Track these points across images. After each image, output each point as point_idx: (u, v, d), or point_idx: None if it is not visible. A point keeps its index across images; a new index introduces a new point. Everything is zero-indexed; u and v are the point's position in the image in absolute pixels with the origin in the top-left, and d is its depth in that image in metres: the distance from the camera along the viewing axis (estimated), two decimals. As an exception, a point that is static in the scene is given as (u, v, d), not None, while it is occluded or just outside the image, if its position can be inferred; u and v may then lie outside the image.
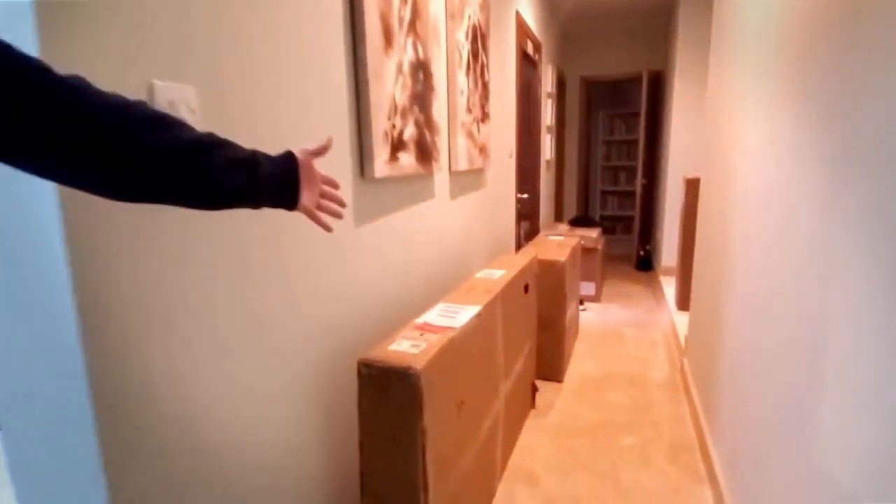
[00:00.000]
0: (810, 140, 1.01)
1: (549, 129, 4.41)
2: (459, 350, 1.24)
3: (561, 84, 5.19)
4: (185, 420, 0.81)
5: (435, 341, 1.16)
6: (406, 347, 1.12)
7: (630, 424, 2.10)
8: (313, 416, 1.15)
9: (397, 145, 1.41)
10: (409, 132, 1.48)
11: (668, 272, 4.27)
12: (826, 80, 0.93)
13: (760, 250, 1.33)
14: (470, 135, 2.08)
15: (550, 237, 3.07)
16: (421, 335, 1.20)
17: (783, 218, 1.16)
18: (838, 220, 0.86)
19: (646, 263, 4.96)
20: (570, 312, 2.65)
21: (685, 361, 2.52)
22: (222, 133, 0.66)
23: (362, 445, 1.08)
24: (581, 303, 3.71)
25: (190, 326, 0.81)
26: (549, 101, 4.37)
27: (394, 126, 1.38)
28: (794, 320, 1.07)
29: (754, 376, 1.35)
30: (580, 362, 2.74)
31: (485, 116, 2.28)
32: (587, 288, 3.82)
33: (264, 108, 0.95)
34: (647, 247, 5.08)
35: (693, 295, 2.43)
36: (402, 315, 1.55)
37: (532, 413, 2.21)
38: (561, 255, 2.47)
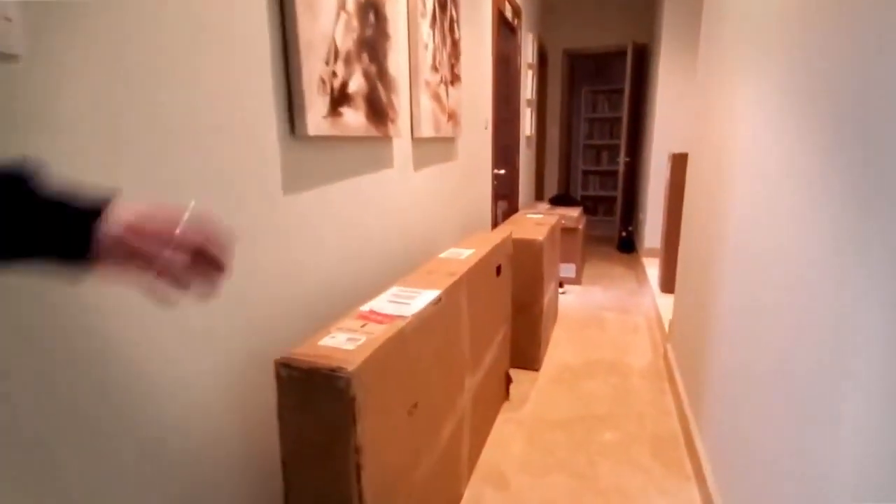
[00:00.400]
0: (816, 111, 0.82)
1: (529, 102, 4.18)
2: (411, 343, 1.04)
3: (543, 57, 4.94)
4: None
5: (379, 333, 0.94)
6: (341, 342, 0.90)
7: (610, 417, 1.94)
8: (226, 431, 0.94)
9: (340, 98, 1.17)
10: (357, 84, 1.25)
11: (651, 254, 4.12)
12: (829, 47, 0.75)
13: (757, 229, 1.14)
14: (436, 97, 1.85)
15: (529, 215, 2.88)
16: (363, 326, 0.98)
17: (784, 194, 0.97)
18: (848, 198, 0.69)
19: (628, 245, 4.82)
20: (548, 296, 2.47)
21: (669, 347, 2.37)
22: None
23: (285, 464, 0.87)
24: (560, 285, 3.54)
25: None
26: (530, 73, 4.13)
27: (334, 74, 1.14)
28: (793, 306, 0.89)
29: (745, 365, 1.18)
30: (558, 349, 2.57)
31: (454, 78, 2.04)
32: (567, 270, 3.65)
33: (130, 24, 0.71)
34: (630, 228, 4.93)
35: (679, 277, 2.26)
36: (350, 302, 1.33)
37: (506, 405, 2.04)
38: (539, 234, 2.28)
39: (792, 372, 0.92)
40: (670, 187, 2.96)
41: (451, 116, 2.04)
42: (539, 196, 5.39)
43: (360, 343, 0.90)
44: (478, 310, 1.55)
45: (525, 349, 2.33)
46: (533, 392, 2.14)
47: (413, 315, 1.05)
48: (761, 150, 1.16)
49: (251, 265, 0.97)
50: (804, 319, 0.88)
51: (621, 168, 4.79)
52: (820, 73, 0.86)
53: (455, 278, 1.33)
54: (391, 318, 1.03)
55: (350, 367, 0.80)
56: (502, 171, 3.18)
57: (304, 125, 1.05)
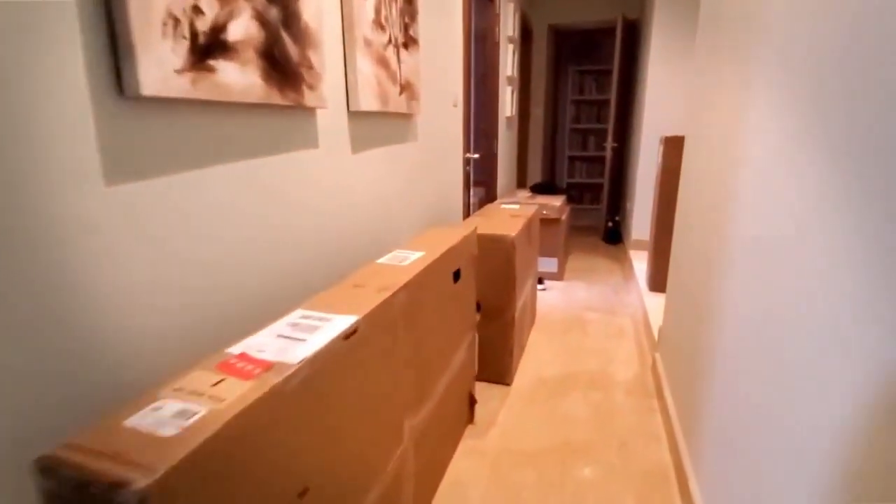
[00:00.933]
0: (844, 88, 0.50)
1: (510, 80, 3.82)
2: (296, 405, 0.71)
3: (526, 32, 4.57)
4: None
5: (234, 400, 0.62)
6: (162, 420, 0.57)
7: (590, 446, 1.65)
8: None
9: (209, 47, 0.82)
10: (242, 30, 0.90)
11: (638, 246, 3.84)
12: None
13: (774, 223, 0.83)
14: (383, 62, 1.50)
15: (504, 206, 2.55)
16: (216, 384, 0.66)
17: (810, 183, 0.66)
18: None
19: (614, 235, 4.53)
20: (522, 299, 2.16)
21: (658, 357, 2.08)
22: None
23: None
24: (540, 281, 3.24)
25: None
26: (511, 48, 3.77)
27: (197, 10, 0.79)
28: (817, 315, 0.58)
29: (753, 387, 0.89)
30: (534, 358, 2.27)
31: (409, 41, 1.69)
32: (548, 264, 3.35)
33: None
34: (617, 217, 4.64)
35: (671, 275, 1.96)
36: (226, 338, 0.97)
37: (469, 429, 1.73)
38: (512, 229, 1.96)
39: (814, 397, 0.62)
40: (662, 173, 2.65)
41: (406, 88, 1.69)
42: (521, 183, 5.07)
43: (191, 422, 0.57)
44: (426, 329, 1.23)
45: (495, 361, 2.03)
46: (502, 412, 1.84)
47: (304, 360, 0.72)
48: (781, 131, 0.85)
49: (44, 298, 0.63)
50: (829, 333, 0.57)
51: (608, 153, 4.47)
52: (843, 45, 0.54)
53: (387, 294, 1.01)
54: (267, 365, 0.70)
55: (142, 482, 0.47)
56: (476, 156, 2.85)
57: (136, 80, 0.70)
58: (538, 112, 5.17)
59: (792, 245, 0.82)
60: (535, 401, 1.92)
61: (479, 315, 1.99)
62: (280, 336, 0.80)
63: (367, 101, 1.42)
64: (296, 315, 0.89)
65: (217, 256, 0.92)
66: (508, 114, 3.85)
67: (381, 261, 1.25)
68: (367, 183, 1.52)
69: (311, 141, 1.20)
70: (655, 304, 2.59)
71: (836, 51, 0.72)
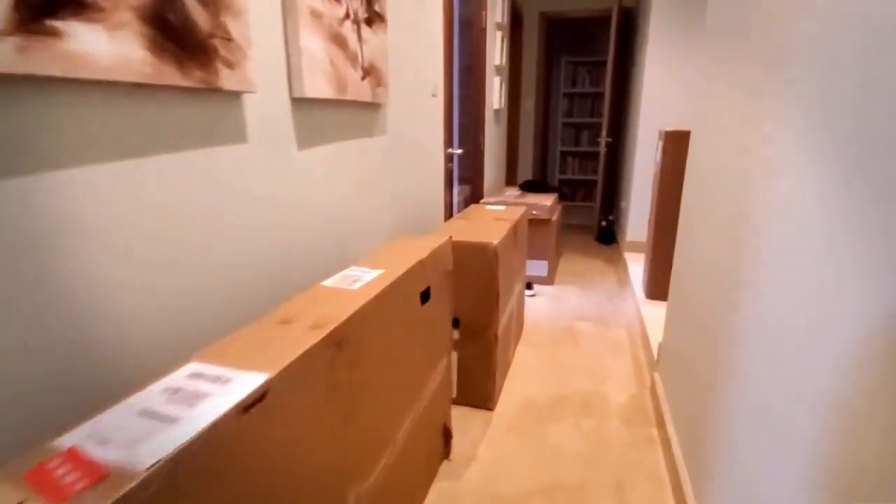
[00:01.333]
0: None
1: (499, 70, 3.58)
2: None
3: (516, 19, 4.32)
4: None
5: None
6: None
7: (582, 489, 1.43)
8: None
9: (47, 3, 0.58)
10: (109, -20, 0.65)
11: (633, 247, 3.63)
12: None
13: (811, 232, 0.61)
14: (338, 40, 1.25)
15: (489, 206, 2.32)
16: (2, 515, 0.42)
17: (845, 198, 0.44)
18: None
19: (608, 235, 4.32)
20: (508, 313, 1.94)
21: (657, 378, 1.87)
22: None
23: None
24: (529, 286, 3.02)
25: None
26: (500, 35, 3.52)
27: (17, -58, 0.55)
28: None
29: (780, 426, 0.67)
30: (520, 377, 2.05)
31: (374, 17, 1.44)
32: (537, 267, 3.13)
33: None
34: (610, 217, 4.43)
35: (672, 285, 1.75)
36: (74, 412, 0.74)
37: (445, 467, 1.51)
38: (495, 235, 1.73)
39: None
40: (661, 172, 2.43)
41: (370, 73, 1.45)
42: (511, 180, 4.84)
43: None
44: (382, 366, 1.00)
45: (476, 383, 1.80)
46: (483, 444, 1.62)
47: (158, 464, 0.49)
48: (831, 129, 0.62)
49: None
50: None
51: (602, 149, 4.25)
52: None
53: (321, 334, 0.77)
54: (99, 474, 0.47)
55: None
56: (460, 151, 2.61)
57: None
58: (529, 105, 4.93)
59: (822, 259, 0.60)
60: (521, 429, 1.70)
61: (458, 332, 1.76)
62: (144, 413, 0.56)
63: (317, 85, 1.17)
64: (183, 373, 0.65)
65: (82, 303, 0.68)
66: (497, 106, 3.61)
67: (327, 283, 1.01)
68: (318, 186, 1.28)
69: (235, 134, 0.96)
70: (653, 315, 2.38)
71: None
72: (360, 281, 1.02)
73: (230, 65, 0.89)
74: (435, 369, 1.38)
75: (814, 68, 0.76)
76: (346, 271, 1.09)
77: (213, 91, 0.89)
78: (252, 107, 1.00)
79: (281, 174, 1.11)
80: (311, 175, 1.24)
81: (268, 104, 1.05)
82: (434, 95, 2.18)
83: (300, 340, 0.75)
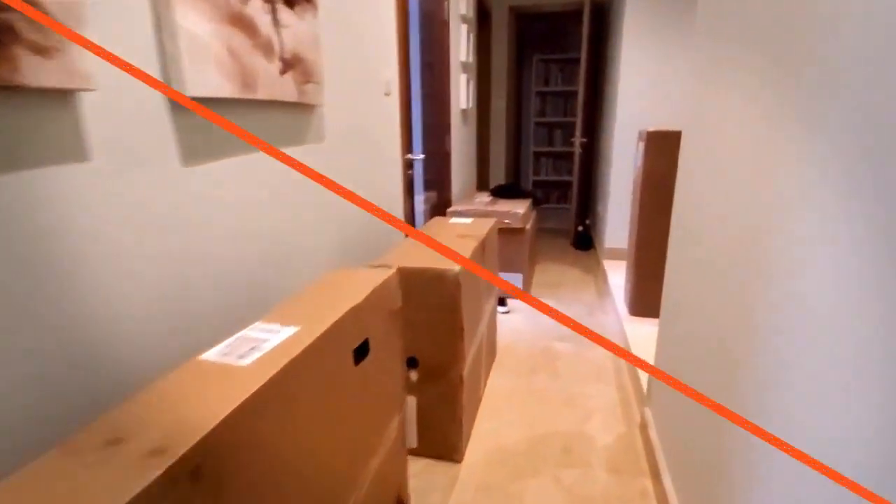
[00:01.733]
0: None
1: (465, 67, 3.32)
2: None
3: (484, 13, 4.07)
4: None
5: None
6: None
7: (566, 571, 1.18)
8: None
9: None
10: None
11: (613, 255, 3.42)
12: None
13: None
14: (242, 23, 0.97)
15: (453, 220, 2.05)
16: None
17: None
18: None
19: (585, 240, 4.11)
20: (476, 345, 1.68)
21: (649, 414, 1.64)
22: None
23: None
24: (502, 302, 2.77)
25: None
26: (465, 29, 3.26)
27: None
28: None
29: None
30: (493, 416, 1.79)
31: (296, -3, 1.16)
32: (512, 281, 2.88)
33: None
34: (587, 221, 4.23)
35: (665, 305, 1.51)
36: None
37: (400, 546, 1.24)
38: (458, 258, 1.46)
39: None
40: (644, 176, 2.21)
41: (294, 66, 1.16)
42: (483, 182, 4.59)
43: None
44: (300, 466, 0.72)
45: (440, 432, 1.54)
46: (447, 512, 1.35)
47: None
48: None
49: None
50: None
51: (577, 150, 4.04)
52: None
53: (163, 466, 0.49)
54: None
55: None
56: (421, 157, 2.33)
57: None
58: (500, 104, 4.70)
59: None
60: (492, 488, 1.44)
61: (416, 372, 1.49)
62: None
63: (207, 81, 0.88)
64: None
65: None
66: (465, 106, 3.36)
67: (208, 356, 0.72)
68: (217, 212, 0.99)
69: (64, 150, 0.66)
70: (640, 335, 2.16)
71: None
72: (259, 349, 0.74)
73: (43, 51, 0.60)
74: (382, 435, 1.11)
75: (848, 63, 0.52)
76: (244, 332, 0.80)
77: (8, 90, 0.60)
78: (99, 111, 0.71)
79: (152, 202, 0.82)
80: (205, 199, 0.95)
81: (126, 107, 0.76)
82: (387, 94, 1.90)
83: (124, 480, 0.47)
